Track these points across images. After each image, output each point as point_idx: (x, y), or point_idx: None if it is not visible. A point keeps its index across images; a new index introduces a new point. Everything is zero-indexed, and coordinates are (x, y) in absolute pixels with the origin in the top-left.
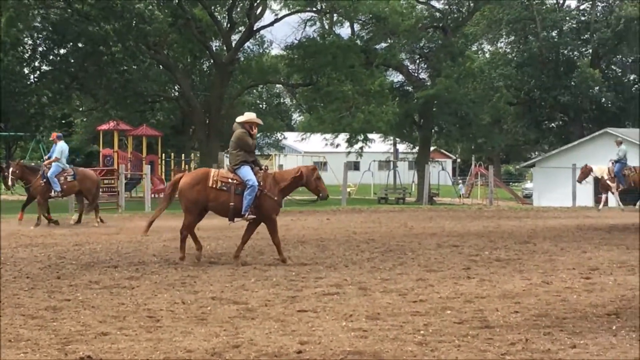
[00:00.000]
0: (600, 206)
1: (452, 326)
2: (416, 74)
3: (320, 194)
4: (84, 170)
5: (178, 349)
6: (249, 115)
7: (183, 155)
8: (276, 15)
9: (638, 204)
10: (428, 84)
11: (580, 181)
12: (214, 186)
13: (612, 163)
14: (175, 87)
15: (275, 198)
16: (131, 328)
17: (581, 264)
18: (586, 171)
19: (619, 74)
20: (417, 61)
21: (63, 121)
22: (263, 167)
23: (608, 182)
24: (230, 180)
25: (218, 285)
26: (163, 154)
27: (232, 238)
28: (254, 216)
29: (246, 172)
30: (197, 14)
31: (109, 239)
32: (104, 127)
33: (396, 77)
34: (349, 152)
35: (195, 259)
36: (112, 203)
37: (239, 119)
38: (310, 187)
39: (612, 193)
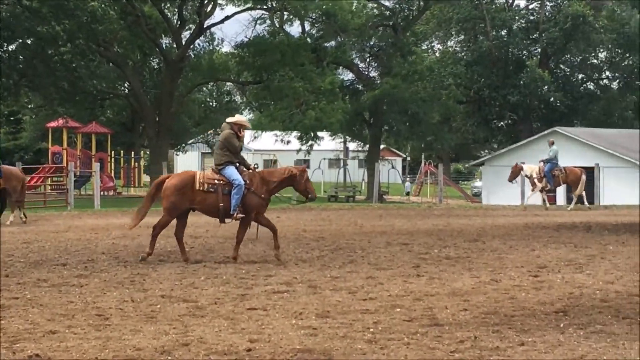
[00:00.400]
0: (526, 201)
1: (402, 324)
2: (366, 73)
3: (310, 195)
4: (9, 168)
5: (127, 347)
6: (239, 117)
7: (133, 152)
8: (222, 9)
9: (571, 205)
10: (378, 82)
11: (511, 180)
12: (201, 189)
13: (543, 163)
14: (125, 85)
15: (262, 196)
16: (80, 326)
17: (530, 262)
18: (516, 170)
19: (568, 73)
20: (368, 59)
21: (12, 118)
22: (252, 167)
23: (536, 180)
24: (216, 181)
25: (167, 284)
26: (112, 152)
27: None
28: (243, 215)
29: (231, 172)
30: (147, 11)
31: (58, 237)
32: (53, 124)
33: (347, 76)
34: (299, 150)
35: (140, 259)
36: (61, 201)
37: (229, 119)
38: (299, 188)
39: (540, 192)
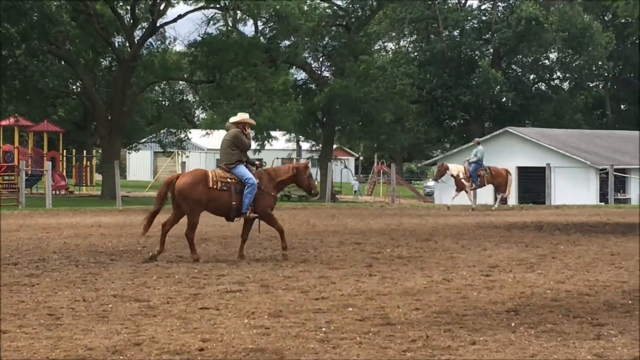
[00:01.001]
0: (451, 201)
1: (354, 323)
2: (319, 72)
3: (312, 191)
4: None
5: (78, 347)
6: (242, 116)
7: (85, 151)
8: (174, 6)
9: (496, 204)
10: (331, 82)
11: (437, 180)
12: (215, 187)
13: (468, 163)
14: (77, 83)
15: (272, 194)
16: (31, 326)
17: (481, 262)
18: (442, 170)
19: (519, 74)
20: (321, 59)
21: None
22: (257, 164)
23: (463, 181)
24: (229, 180)
25: (119, 283)
26: (64, 151)
27: (134, 235)
28: (256, 215)
29: (243, 171)
30: (100, 10)
31: (9, 236)
32: (4, 122)
33: (300, 75)
34: (258, 150)
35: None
36: (12, 199)
37: (233, 119)
38: (303, 185)
39: (466, 192)
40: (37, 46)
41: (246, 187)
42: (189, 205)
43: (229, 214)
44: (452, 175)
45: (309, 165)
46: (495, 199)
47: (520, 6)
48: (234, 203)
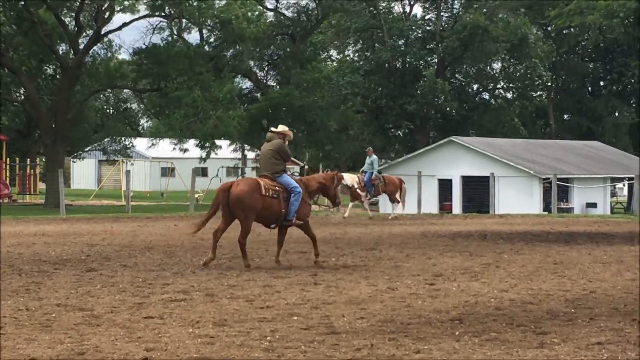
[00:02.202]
0: (346, 213)
1: (299, 332)
2: (265, 81)
3: (336, 201)
4: None
5: (21, 357)
6: (283, 127)
7: (28, 160)
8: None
9: (393, 213)
10: (276, 90)
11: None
12: (267, 194)
13: (362, 173)
14: (21, 91)
15: (309, 202)
16: None
17: (426, 270)
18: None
19: (464, 84)
20: (266, 68)
21: None
22: (293, 173)
23: (358, 190)
24: (277, 188)
25: (63, 292)
26: (8, 159)
27: (78, 244)
28: (302, 222)
29: (289, 180)
30: (43, 16)
31: None
32: None
33: (245, 84)
34: (200, 159)
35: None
36: None
37: (274, 129)
38: (330, 194)
39: (362, 202)
40: None
41: (293, 195)
42: (245, 212)
43: (276, 221)
44: (347, 186)
45: (342, 176)
46: (393, 207)
47: (463, 16)
48: (283, 210)
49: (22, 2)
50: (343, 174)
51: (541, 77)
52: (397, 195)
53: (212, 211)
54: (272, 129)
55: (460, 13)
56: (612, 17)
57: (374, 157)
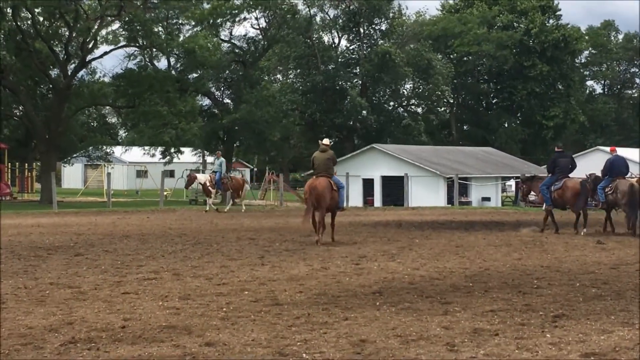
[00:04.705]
0: (226, 208)
1: (249, 304)
2: (221, 99)
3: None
4: None
5: (21, 327)
6: (328, 141)
7: (26, 164)
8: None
9: (227, 206)
10: (231, 107)
11: (187, 187)
12: (335, 189)
13: (214, 173)
14: (20, 108)
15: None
16: None
17: (352, 253)
18: (191, 179)
19: (382, 101)
20: (222, 88)
21: None
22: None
23: (209, 187)
24: (334, 188)
25: (55, 273)
26: (9, 164)
27: (68, 233)
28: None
29: (337, 179)
30: (38, 47)
31: None
32: None
33: (205, 102)
34: (167, 162)
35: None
36: None
37: (326, 141)
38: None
39: (210, 197)
40: None
41: (341, 189)
42: (324, 203)
43: (334, 208)
44: (200, 184)
45: (195, 176)
46: (229, 202)
47: (377, 47)
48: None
49: (21, 36)
50: (197, 174)
51: (444, 93)
52: (240, 193)
53: (310, 203)
54: (325, 142)
55: (378, 43)
56: (502, 47)
57: (222, 159)
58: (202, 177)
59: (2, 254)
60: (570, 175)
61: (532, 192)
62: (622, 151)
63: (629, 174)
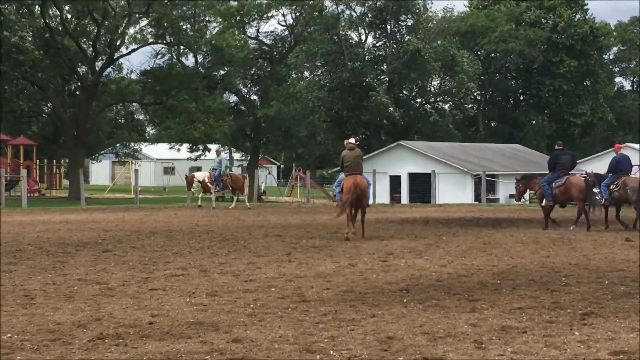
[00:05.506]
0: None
1: (276, 301)
2: (248, 96)
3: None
4: None
5: (49, 322)
6: (353, 140)
7: (55, 161)
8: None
9: (233, 203)
10: (258, 104)
11: (188, 189)
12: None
13: (212, 170)
14: (48, 105)
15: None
16: (9, 305)
17: (379, 250)
18: (190, 179)
19: (409, 98)
20: (249, 86)
21: None
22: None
23: (209, 184)
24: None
25: (83, 269)
26: (38, 160)
27: (96, 230)
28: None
29: (366, 176)
30: (67, 44)
31: None
32: None
33: (232, 99)
34: (196, 158)
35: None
36: None
37: (352, 140)
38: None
39: (211, 193)
40: (11, 72)
41: (369, 186)
42: (365, 198)
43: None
44: (198, 181)
45: (194, 175)
46: (232, 199)
47: (406, 43)
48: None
49: (49, 33)
50: (195, 173)
51: (470, 90)
52: (243, 189)
53: (349, 197)
54: (352, 141)
55: (405, 39)
56: (530, 44)
57: (222, 156)
58: (200, 175)
59: (30, 250)
60: (570, 173)
61: (529, 190)
62: None
63: (633, 172)
